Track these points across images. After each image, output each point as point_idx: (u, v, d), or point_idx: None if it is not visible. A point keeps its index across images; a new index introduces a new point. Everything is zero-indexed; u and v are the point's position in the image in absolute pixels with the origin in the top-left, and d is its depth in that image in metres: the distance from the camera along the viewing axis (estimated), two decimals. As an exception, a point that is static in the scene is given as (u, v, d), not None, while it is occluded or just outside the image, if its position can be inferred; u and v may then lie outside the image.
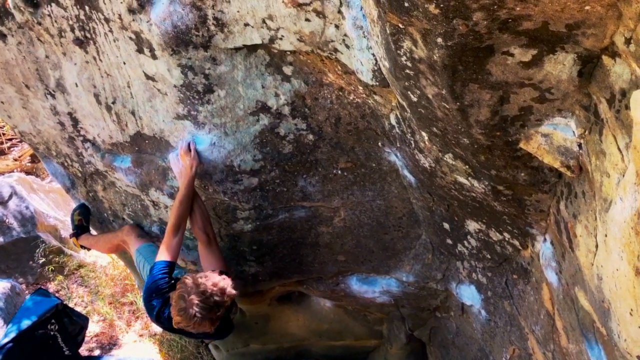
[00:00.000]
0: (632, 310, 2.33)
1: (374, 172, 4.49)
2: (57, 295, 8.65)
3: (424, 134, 3.33)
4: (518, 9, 2.04)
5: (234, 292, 4.27)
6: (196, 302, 4.04)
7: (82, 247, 6.15)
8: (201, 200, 4.70)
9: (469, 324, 5.21)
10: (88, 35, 3.99)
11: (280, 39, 3.57)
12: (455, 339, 5.82)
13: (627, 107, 2.10)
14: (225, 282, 4.24)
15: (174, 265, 4.51)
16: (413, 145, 3.67)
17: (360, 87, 3.69)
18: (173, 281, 4.44)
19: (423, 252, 5.06)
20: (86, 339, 8.04)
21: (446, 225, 4.49)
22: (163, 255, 4.44)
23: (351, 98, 3.95)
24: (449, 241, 4.65)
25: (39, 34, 4.12)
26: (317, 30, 3.36)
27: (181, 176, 4.38)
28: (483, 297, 4.72)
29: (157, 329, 9.36)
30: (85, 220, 6.03)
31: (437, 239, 4.80)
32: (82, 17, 3.87)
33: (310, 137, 4.27)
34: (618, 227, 2.29)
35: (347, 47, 3.33)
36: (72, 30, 3.99)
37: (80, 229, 6.02)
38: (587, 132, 2.52)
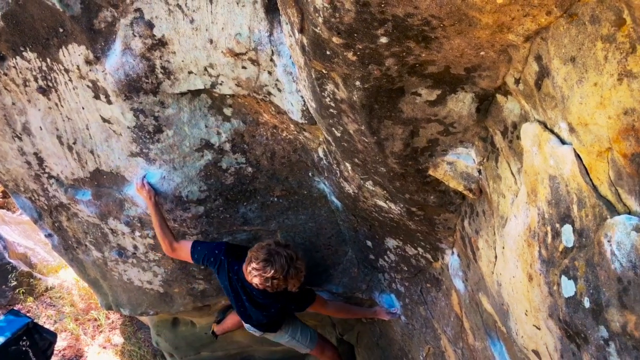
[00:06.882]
0: (527, 311, 2.34)
1: (306, 198, 4.45)
2: (28, 314, 8.37)
3: (347, 164, 3.31)
4: (424, 55, 2.04)
5: None
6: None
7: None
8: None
9: (390, 327, 5.18)
10: (50, 84, 3.87)
11: (221, 84, 3.53)
12: (379, 340, 5.79)
13: (518, 138, 2.12)
14: None
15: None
16: (338, 175, 3.65)
17: (292, 125, 3.66)
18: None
19: (350, 267, 5.03)
20: (55, 352, 7.82)
21: (369, 243, 4.47)
22: (187, 244, 4.43)
23: (284, 135, 3.91)
24: (372, 256, 4.63)
25: (6, 83, 3.97)
26: (253, 76, 3.32)
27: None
28: (402, 303, 4.71)
29: (118, 340, 9.14)
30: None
31: (362, 255, 4.78)
32: (44, 68, 3.76)
33: (249, 169, 4.21)
34: (513, 240, 2.30)
35: (279, 90, 3.30)
36: (36, 80, 3.87)
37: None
38: (485, 160, 2.53)
